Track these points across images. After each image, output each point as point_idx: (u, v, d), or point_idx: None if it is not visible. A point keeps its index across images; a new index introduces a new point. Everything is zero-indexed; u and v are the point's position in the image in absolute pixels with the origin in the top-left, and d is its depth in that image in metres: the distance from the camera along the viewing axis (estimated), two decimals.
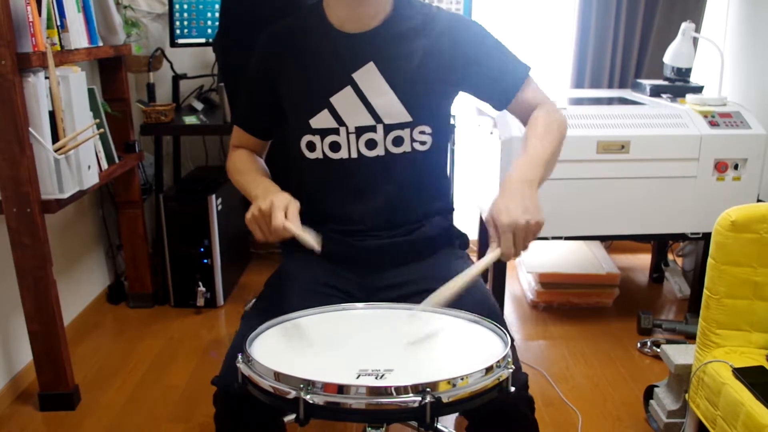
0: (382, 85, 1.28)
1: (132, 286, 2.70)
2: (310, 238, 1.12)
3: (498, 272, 2.40)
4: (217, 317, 2.64)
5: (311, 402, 0.88)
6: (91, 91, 2.10)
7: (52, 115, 1.85)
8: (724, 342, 1.54)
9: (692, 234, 2.35)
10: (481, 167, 2.61)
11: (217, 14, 2.70)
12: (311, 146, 1.34)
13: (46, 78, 1.83)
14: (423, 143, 1.32)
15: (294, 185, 1.40)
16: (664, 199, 2.28)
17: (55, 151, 1.84)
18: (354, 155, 1.32)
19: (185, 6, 2.69)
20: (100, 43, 2.22)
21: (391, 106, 1.29)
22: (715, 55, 2.67)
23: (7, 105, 1.72)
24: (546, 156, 1.22)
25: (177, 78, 2.85)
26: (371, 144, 1.31)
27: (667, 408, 1.81)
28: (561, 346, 2.39)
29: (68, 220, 2.52)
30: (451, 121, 2.38)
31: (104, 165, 2.21)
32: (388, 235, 1.35)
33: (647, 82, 2.62)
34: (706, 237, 2.31)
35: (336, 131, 1.31)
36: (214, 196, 2.57)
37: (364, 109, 1.29)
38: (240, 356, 0.98)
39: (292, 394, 0.89)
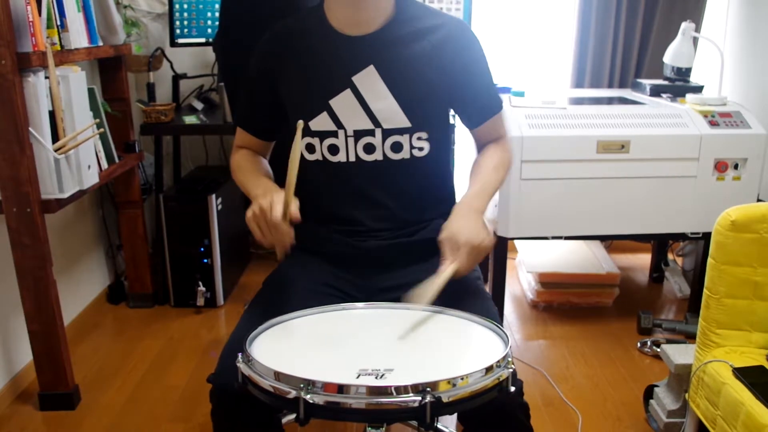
0: (382, 89, 1.28)
1: (132, 286, 2.70)
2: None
3: (498, 272, 2.40)
4: (217, 317, 2.64)
5: (311, 402, 0.88)
6: (91, 91, 2.10)
7: (52, 114, 1.85)
8: (724, 342, 1.54)
9: (692, 234, 2.35)
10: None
11: (217, 14, 2.70)
12: (311, 148, 1.34)
13: (46, 78, 1.83)
14: (421, 149, 1.32)
15: (297, 186, 1.40)
16: (664, 198, 2.28)
17: (55, 150, 1.84)
18: (352, 159, 1.32)
19: (185, 6, 2.69)
20: (100, 43, 2.22)
21: (390, 111, 1.28)
22: (715, 55, 2.67)
23: (7, 105, 1.72)
24: (494, 189, 1.34)
25: (177, 78, 2.85)
26: (369, 148, 1.31)
27: (667, 408, 1.81)
28: (561, 346, 2.39)
29: (68, 220, 2.52)
30: (451, 121, 2.37)
31: (104, 165, 2.21)
32: (388, 236, 1.35)
33: (647, 82, 2.62)
34: (706, 237, 2.31)
35: (334, 134, 1.31)
36: (214, 196, 2.57)
37: (363, 113, 1.29)
38: (240, 356, 0.98)
39: (293, 393, 0.89)
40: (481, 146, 1.42)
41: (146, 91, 2.73)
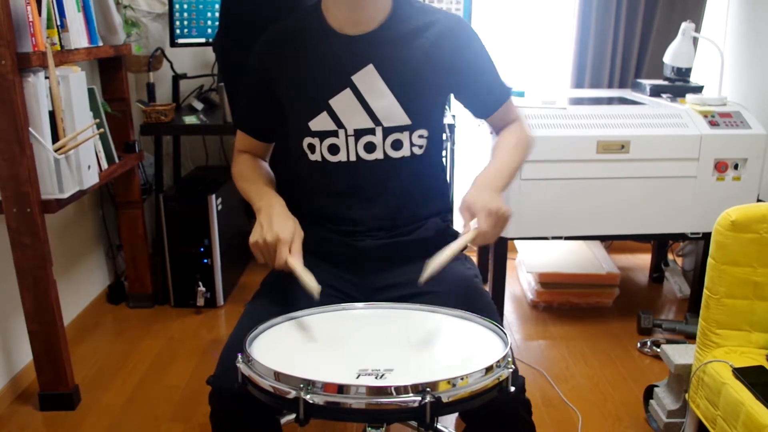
0: (382, 87, 1.28)
1: (132, 286, 2.70)
2: (310, 282, 1.13)
3: (498, 272, 2.40)
4: (217, 317, 2.64)
5: (311, 402, 0.88)
6: (91, 91, 2.10)
7: (52, 115, 1.85)
8: (724, 342, 1.54)
9: (692, 234, 2.35)
10: (480, 167, 2.61)
11: (217, 14, 2.70)
12: (311, 148, 1.34)
13: (46, 78, 1.83)
14: (420, 147, 1.33)
15: (296, 186, 1.40)
16: (664, 199, 2.28)
17: (55, 151, 1.84)
18: (353, 158, 1.32)
19: (185, 6, 2.69)
20: (100, 43, 2.22)
21: (390, 109, 1.29)
22: (715, 55, 2.67)
23: (7, 105, 1.72)
24: (511, 169, 1.32)
25: (177, 78, 2.85)
26: (370, 147, 1.31)
27: (667, 408, 1.81)
28: (561, 346, 2.39)
29: (68, 220, 2.52)
30: (451, 121, 2.38)
31: (104, 165, 2.21)
32: (386, 235, 1.35)
33: (647, 82, 2.62)
34: (706, 237, 2.31)
35: (335, 134, 1.31)
36: (214, 196, 2.57)
37: (363, 112, 1.29)
38: (240, 356, 0.98)
39: (292, 393, 0.89)
40: (497, 130, 1.43)
41: (146, 91, 2.73)
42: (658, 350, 1.93)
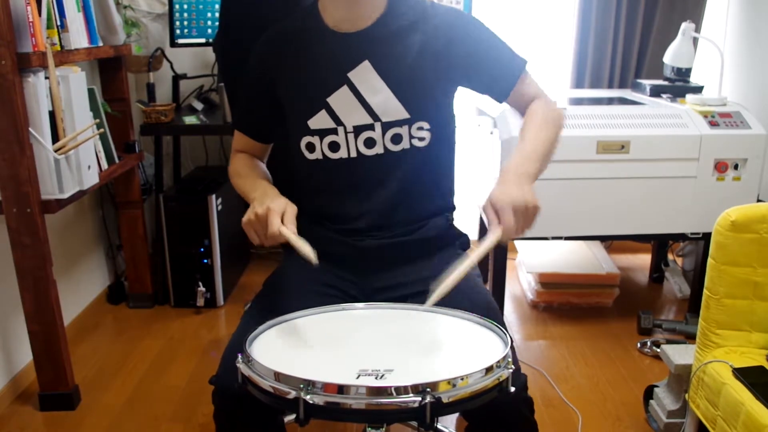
0: (378, 83, 1.28)
1: (132, 286, 2.70)
2: (305, 247, 1.11)
3: (498, 272, 2.40)
4: (217, 317, 2.64)
5: (311, 402, 0.88)
6: (91, 91, 2.10)
7: (52, 115, 1.85)
8: (724, 342, 1.54)
9: (692, 234, 2.35)
10: (481, 167, 2.61)
11: (217, 14, 2.70)
12: (311, 147, 1.34)
13: (46, 78, 1.83)
14: (422, 139, 1.32)
15: (296, 186, 1.40)
16: (664, 199, 2.28)
17: (55, 151, 1.84)
18: (353, 154, 1.32)
19: (185, 6, 2.69)
20: (100, 43, 2.22)
21: (387, 104, 1.29)
22: (715, 55, 2.67)
23: (7, 105, 1.72)
24: (543, 150, 1.25)
25: (177, 78, 2.85)
26: (370, 143, 1.31)
27: (667, 408, 1.81)
28: (561, 346, 2.39)
29: (68, 220, 2.52)
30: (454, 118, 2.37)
31: (104, 165, 2.21)
32: (387, 235, 1.35)
33: (647, 82, 2.62)
34: (706, 237, 2.31)
35: (334, 131, 1.31)
36: (214, 196, 2.57)
37: (361, 108, 1.29)
38: (240, 356, 0.98)
39: (292, 394, 0.89)
40: (522, 111, 1.36)
41: (146, 92, 2.73)
42: (658, 350, 1.93)
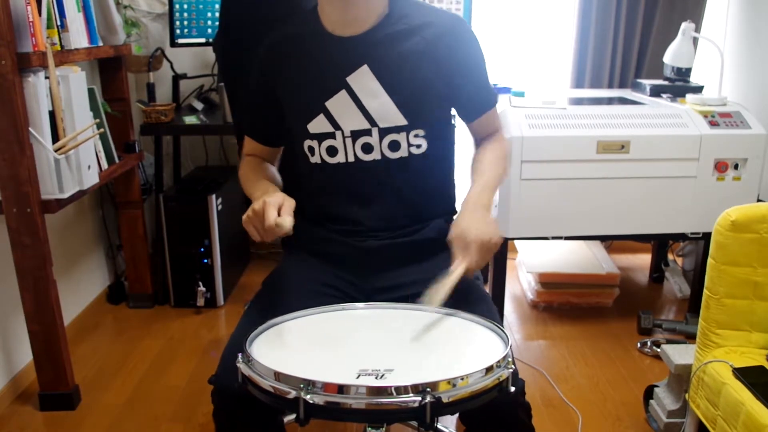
0: (377, 88, 1.28)
1: (132, 286, 2.70)
2: (287, 220, 1.12)
3: (498, 272, 2.40)
4: (217, 317, 2.64)
5: (311, 402, 0.88)
6: (91, 91, 2.10)
7: (52, 115, 1.85)
8: (724, 342, 1.54)
9: (692, 234, 2.35)
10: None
11: (217, 14, 2.70)
12: (311, 150, 1.35)
13: (46, 78, 1.83)
14: (419, 147, 1.32)
15: (300, 188, 1.41)
16: (664, 199, 2.28)
17: (55, 151, 1.84)
18: (351, 159, 1.32)
19: (185, 6, 2.69)
20: (100, 43, 2.22)
21: (385, 109, 1.28)
22: (715, 55, 2.67)
23: (7, 105, 1.72)
24: (496, 183, 1.33)
25: (177, 78, 2.85)
26: (367, 148, 1.31)
27: (667, 408, 1.81)
28: (561, 346, 2.39)
29: (68, 220, 2.52)
30: (452, 122, 2.37)
31: (104, 165, 2.21)
32: (388, 236, 1.35)
33: (647, 82, 2.62)
34: (706, 237, 2.31)
35: (332, 135, 1.31)
36: (214, 196, 2.57)
37: (359, 113, 1.29)
38: (240, 356, 0.98)
39: (292, 394, 0.89)
40: (477, 140, 1.44)
41: (146, 91, 2.73)
42: (658, 350, 1.93)
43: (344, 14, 1.28)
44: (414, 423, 0.90)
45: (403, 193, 1.35)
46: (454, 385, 0.89)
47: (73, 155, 1.92)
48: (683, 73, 2.57)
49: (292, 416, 0.91)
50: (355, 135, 1.30)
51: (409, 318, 1.15)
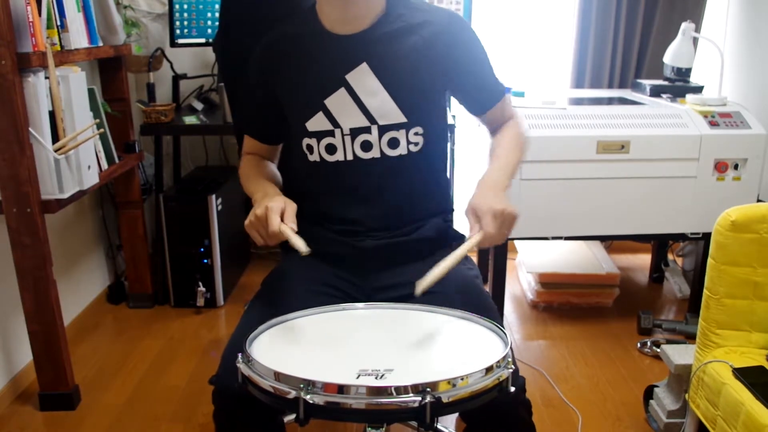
0: (376, 85, 1.28)
1: (132, 286, 2.70)
2: (300, 242, 1.12)
3: (498, 272, 2.40)
4: (217, 317, 2.64)
5: (311, 402, 0.88)
6: (91, 91, 2.10)
7: (52, 115, 1.85)
8: (724, 342, 1.54)
9: (692, 234, 2.35)
10: (480, 167, 2.61)
11: (217, 14, 2.70)
12: (310, 149, 1.35)
13: (46, 78, 1.83)
14: (417, 144, 1.32)
15: (299, 187, 1.41)
16: (664, 199, 2.28)
17: (55, 151, 1.84)
18: (350, 157, 1.32)
19: (185, 6, 2.69)
20: (100, 43, 2.22)
21: (384, 107, 1.29)
22: (715, 55, 2.67)
23: (7, 105, 1.72)
24: (513, 166, 1.32)
25: (177, 78, 2.85)
26: (366, 146, 1.31)
27: (667, 408, 1.81)
28: (561, 346, 2.39)
29: (68, 220, 2.52)
30: (450, 121, 2.38)
31: (104, 165, 2.21)
32: (386, 235, 1.35)
33: (647, 82, 2.62)
34: (706, 237, 2.31)
35: (331, 133, 1.31)
36: (214, 196, 2.57)
37: (358, 111, 1.29)
38: (240, 356, 0.98)
39: (292, 394, 0.89)
40: (493, 130, 1.43)
41: (146, 92, 2.73)
42: (658, 350, 1.93)
43: (343, 13, 1.28)
44: (414, 423, 0.90)
45: (401, 192, 1.35)
46: (454, 385, 0.89)
47: (73, 155, 1.92)
48: (683, 73, 2.57)
49: (293, 416, 0.90)
50: (355, 133, 1.30)
51: (409, 318, 1.15)
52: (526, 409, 1.20)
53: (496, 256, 2.39)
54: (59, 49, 1.92)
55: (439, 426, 1.73)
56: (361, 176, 1.33)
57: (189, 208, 2.59)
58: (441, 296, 1.23)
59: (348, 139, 1.31)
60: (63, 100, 1.88)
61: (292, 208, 1.18)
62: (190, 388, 2.13)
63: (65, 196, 1.89)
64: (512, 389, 0.95)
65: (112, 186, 2.68)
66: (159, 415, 1.98)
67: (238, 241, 2.99)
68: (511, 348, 1.00)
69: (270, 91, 1.37)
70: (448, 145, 2.22)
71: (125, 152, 2.46)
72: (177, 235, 2.60)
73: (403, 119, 1.29)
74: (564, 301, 2.71)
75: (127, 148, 2.48)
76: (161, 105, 2.57)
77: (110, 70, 2.46)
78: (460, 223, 1.48)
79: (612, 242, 3.18)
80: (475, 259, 2.18)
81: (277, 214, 1.14)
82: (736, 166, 2.27)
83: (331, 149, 1.33)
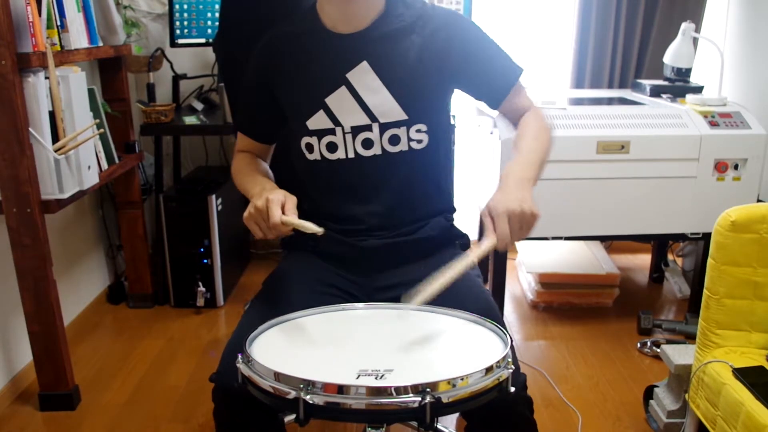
0: (376, 83, 1.28)
1: (132, 287, 2.70)
2: (311, 226, 1.11)
3: (498, 272, 2.40)
4: (217, 317, 2.64)
5: (311, 402, 0.88)
6: (91, 91, 2.10)
7: (52, 115, 1.85)
8: (724, 342, 1.54)
9: (692, 234, 2.35)
10: (481, 167, 2.61)
11: (217, 14, 2.70)
12: (310, 148, 1.35)
13: (46, 78, 1.83)
14: (419, 141, 1.32)
15: (298, 186, 1.41)
16: (664, 199, 2.28)
17: (55, 151, 1.84)
18: (351, 155, 1.32)
19: (185, 6, 2.69)
20: (100, 43, 2.22)
21: (385, 105, 1.29)
22: (715, 55, 2.67)
23: (7, 105, 1.72)
24: (540, 158, 1.25)
25: (177, 78, 2.85)
26: (367, 143, 1.31)
27: (667, 408, 1.81)
28: (561, 346, 2.39)
29: (68, 220, 2.52)
30: (451, 120, 2.37)
31: (104, 165, 2.21)
32: (388, 235, 1.35)
33: (647, 82, 2.62)
34: (706, 237, 2.31)
35: (332, 132, 1.32)
36: (214, 196, 2.57)
37: (359, 109, 1.29)
38: (240, 356, 0.98)
39: (292, 394, 0.89)
40: (514, 123, 1.39)
41: (146, 92, 2.73)
42: (658, 350, 1.93)
43: (344, 11, 1.29)
44: (414, 423, 0.90)
45: (402, 190, 1.34)
46: (454, 386, 0.89)
47: (73, 155, 1.92)
48: (683, 74, 2.57)
49: (293, 416, 0.90)
50: (356, 131, 1.31)
51: (409, 318, 1.15)
52: (528, 406, 1.20)
53: (496, 256, 2.39)
54: (59, 49, 1.92)
55: (439, 426, 1.73)
56: (363, 174, 1.33)
57: (189, 208, 2.59)
58: (441, 296, 1.23)
59: (349, 137, 1.31)
60: (63, 100, 1.88)
61: (292, 200, 1.17)
62: (190, 388, 2.13)
63: (65, 196, 1.89)
64: (512, 389, 0.95)
65: (112, 186, 2.68)
66: (159, 415, 1.98)
67: (238, 241, 2.99)
68: (511, 348, 1.00)
69: (269, 91, 1.37)
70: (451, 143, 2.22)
71: (125, 152, 2.46)
72: (177, 235, 2.60)
73: (404, 116, 1.29)
74: (564, 302, 2.71)
75: (127, 148, 2.48)
76: (161, 105, 2.57)
77: (110, 70, 2.46)
78: (460, 222, 1.48)
79: (612, 242, 3.18)
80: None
81: (278, 206, 1.13)
82: (736, 166, 2.27)
83: (332, 147, 1.33)
